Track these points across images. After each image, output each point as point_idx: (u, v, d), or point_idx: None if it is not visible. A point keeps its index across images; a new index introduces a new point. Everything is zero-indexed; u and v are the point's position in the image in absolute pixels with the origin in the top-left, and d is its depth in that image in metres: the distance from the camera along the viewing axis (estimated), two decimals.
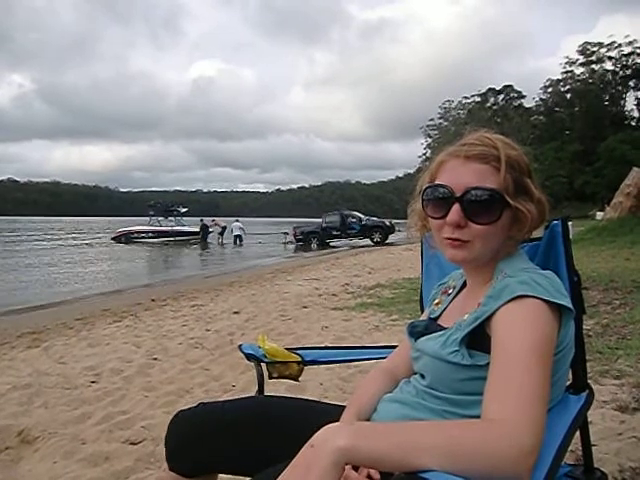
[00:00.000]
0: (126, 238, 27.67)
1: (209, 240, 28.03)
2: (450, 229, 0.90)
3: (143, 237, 28.01)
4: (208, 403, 1.21)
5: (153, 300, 7.42)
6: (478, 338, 0.84)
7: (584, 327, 1.01)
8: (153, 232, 28.50)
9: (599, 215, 20.56)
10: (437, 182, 0.92)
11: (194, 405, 1.17)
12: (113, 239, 27.99)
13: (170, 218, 30.07)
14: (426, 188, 0.94)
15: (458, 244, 0.90)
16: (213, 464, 1.09)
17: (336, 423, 0.68)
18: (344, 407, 1.10)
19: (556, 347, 0.81)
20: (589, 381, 1.02)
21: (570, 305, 0.82)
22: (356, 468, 0.88)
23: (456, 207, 0.88)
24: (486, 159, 0.88)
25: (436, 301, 1.08)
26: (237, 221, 28.02)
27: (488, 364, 0.79)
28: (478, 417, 0.74)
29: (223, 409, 1.15)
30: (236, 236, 26.36)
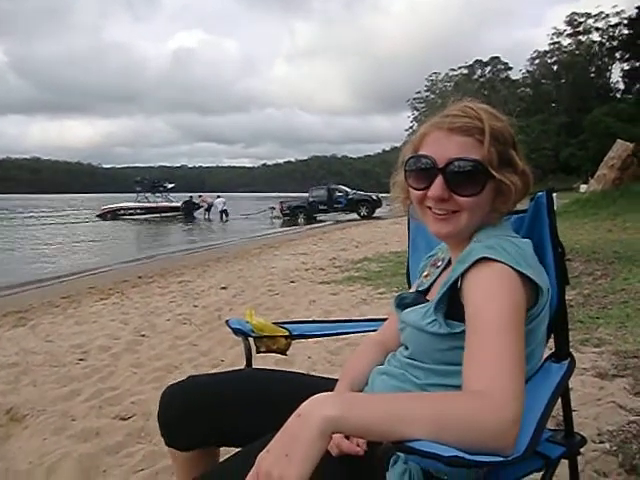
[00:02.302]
0: (112, 215, 27.32)
1: (196, 215, 27.85)
2: (433, 203, 0.89)
3: (130, 213, 27.68)
4: (197, 376, 1.21)
5: (140, 277, 7.38)
6: (454, 307, 0.85)
7: (566, 297, 1.02)
8: (141, 208, 28.18)
9: (583, 187, 20.79)
10: (420, 153, 0.91)
11: (183, 379, 1.18)
12: (98, 216, 27.59)
13: (157, 194, 29.71)
14: (409, 159, 0.93)
15: (443, 217, 0.89)
16: (205, 437, 1.10)
17: (323, 393, 0.69)
18: (333, 380, 1.12)
19: (528, 316, 0.81)
20: (570, 349, 1.04)
21: (535, 277, 0.81)
22: (347, 438, 0.89)
23: (439, 180, 0.87)
24: (469, 131, 0.87)
25: (425, 273, 1.08)
26: (219, 197, 27.87)
27: (464, 332, 0.80)
28: (456, 386, 0.75)
29: (212, 382, 1.16)
30: (222, 211, 26.23)
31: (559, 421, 1.30)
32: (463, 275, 0.83)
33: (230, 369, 1.32)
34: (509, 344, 0.73)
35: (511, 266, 0.80)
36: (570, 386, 1.12)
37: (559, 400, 0.96)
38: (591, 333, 2.98)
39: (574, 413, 1.07)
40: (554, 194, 1.03)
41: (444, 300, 0.87)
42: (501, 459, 0.65)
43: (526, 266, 0.81)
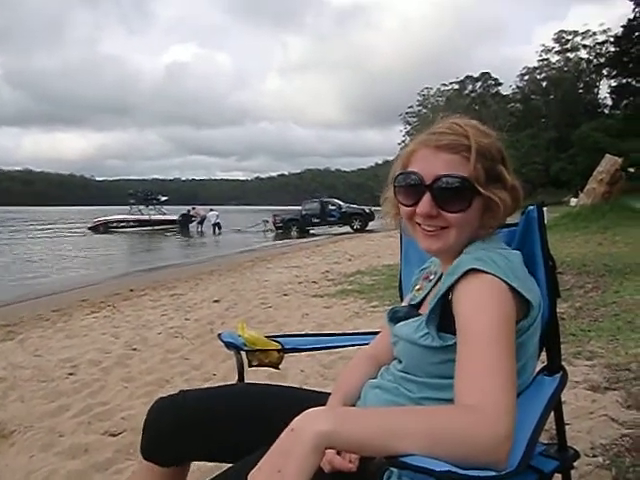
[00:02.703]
0: (105, 227, 27.16)
1: (190, 228, 27.76)
2: (422, 219, 0.90)
3: (123, 226, 27.54)
4: (189, 391, 1.20)
5: (132, 290, 7.32)
6: (446, 319, 0.85)
7: (558, 310, 1.03)
8: (134, 221, 28.06)
9: (573, 201, 21.01)
10: (408, 170, 0.92)
11: (174, 393, 1.16)
12: (90, 229, 27.41)
13: (150, 207, 29.62)
14: (397, 175, 0.94)
15: (432, 233, 0.90)
16: (193, 452, 1.09)
17: (317, 408, 0.68)
18: (326, 394, 1.11)
19: (519, 329, 0.81)
20: (563, 362, 1.05)
21: (522, 289, 0.81)
22: (340, 454, 0.89)
23: (427, 197, 0.88)
24: (456, 149, 0.87)
25: (417, 287, 1.08)
26: (211, 210, 27.80)
27: (455, 344, 0.80)
28: (450, 400, 0.75)
29: (204, 396, 1.15)
30: (214, 224, 26.16)
31: (552, 435, 1.29)
32: (453, 287, 0.84)
33: (222, 383, 1.30)
34: (499, 356, 0.73)
35: (500, 278, 0.80)
36: (563, 399, 1.12)
37: (552, 414, 0.96)
38: (583, 346, 2.99)
39: (567, 427, 1.07)
40: (544, 208, 1.05)
41: (436, 312, 0.87)
42: (494, 474, 0.65)
43: (514, 278, 0.81)
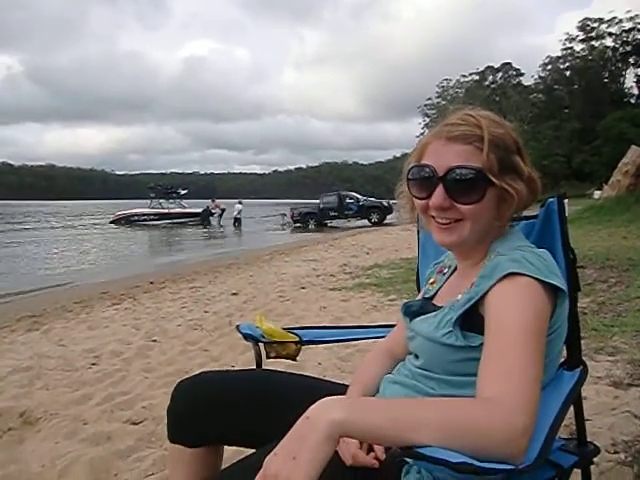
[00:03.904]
0: (126, 221, 27.57)
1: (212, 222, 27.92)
2: (436, 211, 0.89)
3: (144, 219, 27.91)
4: (209, 372, 1.22)
5: (152, 282, 7.43)
6: (471, 318, 0.84)
7: (580, 305, 1.01)
8: (154, 214, 28.41)
9: (597, 194, 20.54)
10: (422, 162, 0.91)
11: (195, 373, 1.19)
12: (112, 222, 27.87)
13: (170, 200, 29.94)
14: (411, 168, 0.93)
15: (446, 226, 0.89)
16: (215, 434, 1.10)
17: (332, 396, 0.69)
18: (343, 385, 1.12)
19: (550, 327, 0.81)
20: (584, 358, 1.03)
21: (563, 285, 0.82)
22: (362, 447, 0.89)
23: (439, 188, 0.87)
24: (468, 139, 0.86)
25: (431, 280, 1.07)
26: (240, 203, 27.20)
27: (481, 345, 0.80)
28: (470, 397, 0.75)
29: (223, 378, 1.16)
30: (236, 218, 26.19)
31: (572, 430, 1.28)
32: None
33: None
34: (528, 354, 0.73)
35: (537, 278, 0.80)
36: (584, 395, 1.11)
37: (572, 409, 0.95)
38: (605, 341, 2.94)
39: (588, 423, 1.06)
40: (565, 200, 1.03)
41: (465, 314, 0.86)
42: (511, 467, 0.64)
43: (553, 276, 0.82)
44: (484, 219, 0.89)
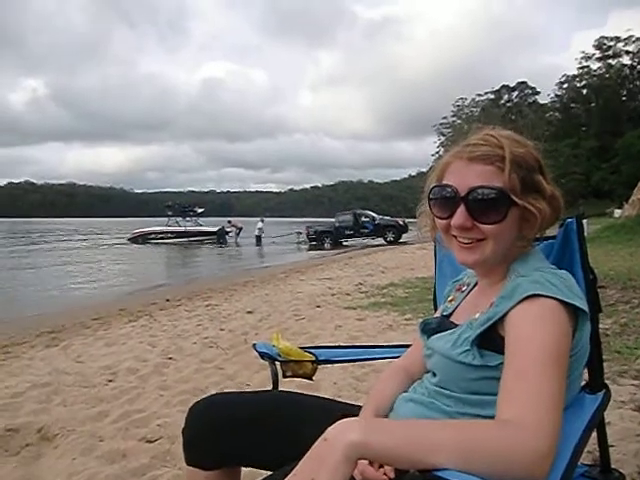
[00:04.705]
0: (143, 239, 27.96)
1: (228, 240, 28.17)
2: (458, 231, 0.89)
3: (161, 237, 28.27)
4: (223, 393, 1.22)
5: (168, 300, 7.49)
6: (489, 338, 0.84)
7: (602, 326, 1.00)
8: (171, 232, 28.76)
9: (617, 212, 20.19)
10: (443, 182, 0.92)
11: (210, 394, 1.19)
12: (130, 240, 28.28)
13: (187, 218, 30.34)
14: (432, 188, 0.94)
15: (468, 246, 0.89)
16: (231, 456, 1.10)
17: (350, 418, 0.69)
18: (358, 406, 1.11)
19: (571, 349, 0.80)
20: (607, 381, 1.01)
21: (584, 306, 0.81)
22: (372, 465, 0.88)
23: (461, 209, 0.87)
24: (490, 160, 0.87)
25: (450, 298, 1.07)
26: (262, 221, 27.54)
27: (499, 364, 0.79)
28: (488, 417, 0.74)
29: (238, 401, 1.16)
30: (257, 236, 26.42)
31: (596, 457, 1.24)
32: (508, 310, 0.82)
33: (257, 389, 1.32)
34: (550, 377, 0.72)
35: (558, 299, 0.79)
36: (607, 420, 1.08)
37: (595, 435, 0.93)
38: (629, 364, 2.85)
39: (612, 449, 1.03)
40: (584, 220, 1.02)
41: (483, 334, 0.85)
42: None
43: (575, 297, 0.81)
44: (506, 239, 0.89)
